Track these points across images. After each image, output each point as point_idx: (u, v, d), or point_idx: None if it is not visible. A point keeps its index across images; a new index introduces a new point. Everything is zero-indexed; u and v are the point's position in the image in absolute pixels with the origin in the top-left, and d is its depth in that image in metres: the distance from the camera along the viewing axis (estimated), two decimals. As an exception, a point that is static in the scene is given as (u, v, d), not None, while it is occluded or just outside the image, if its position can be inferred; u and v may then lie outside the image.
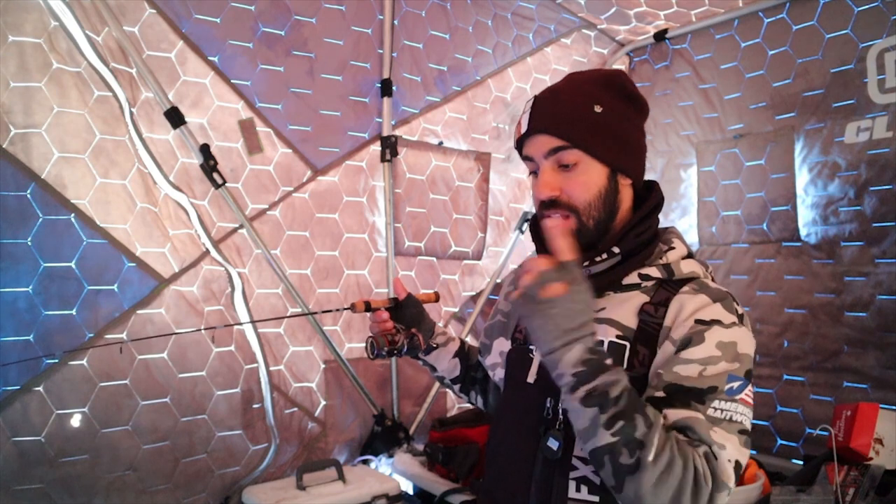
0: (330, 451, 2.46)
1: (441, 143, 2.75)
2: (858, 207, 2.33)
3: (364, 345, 1.30)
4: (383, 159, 2.58)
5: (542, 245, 1.16)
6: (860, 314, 2.33)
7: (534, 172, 1.09)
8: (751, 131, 2.70)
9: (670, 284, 1.05)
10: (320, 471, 2.23)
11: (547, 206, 1.06)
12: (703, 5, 2.70)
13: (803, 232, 2.51)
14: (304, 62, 2.37)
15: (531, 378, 1.10)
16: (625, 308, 1.06)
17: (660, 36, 2.99)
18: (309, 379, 2.40)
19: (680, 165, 3.00)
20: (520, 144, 1.10)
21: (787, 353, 2.54)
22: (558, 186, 1.04)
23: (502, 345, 1.25)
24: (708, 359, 0.95)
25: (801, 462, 2.29)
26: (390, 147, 2.57)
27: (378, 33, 2.55)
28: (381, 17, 2.55)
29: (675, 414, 0.93)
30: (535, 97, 1.07)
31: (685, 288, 1.04)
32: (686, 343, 0.96)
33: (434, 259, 2.77)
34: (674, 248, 1.09)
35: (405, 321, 1.33)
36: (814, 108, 2.46)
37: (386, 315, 1.31)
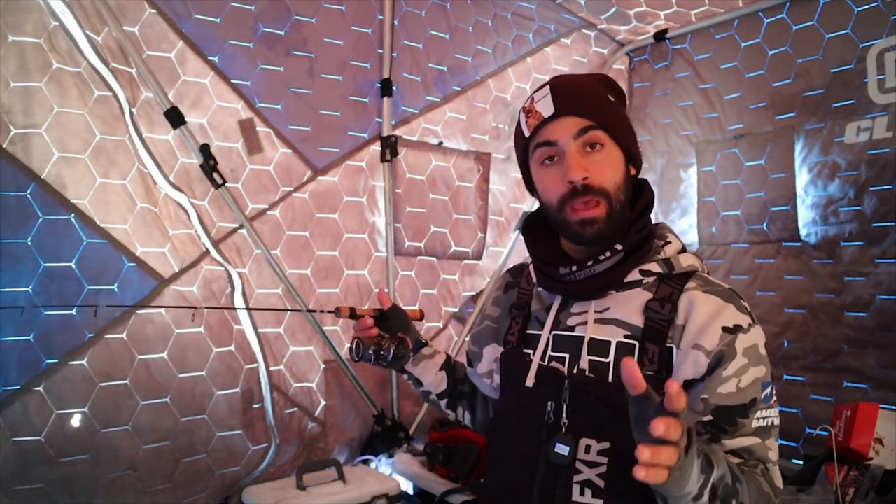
0: (330, 451, 2.46)
1: (441, 143, 2.75)
2: (858, 207, 2.33)
3: (349, 346, 1.26)
4: (383, 159, 2.58)
5: (535, 247, 1.13)
6: (860, 314, 2.33)
7: (548, 159, 1.05)
8: (751, 131, 2.70)
9: (672, 279, 1.05)
10: (320, 471, 2.23)
11: (580, 192, 1.00)
12: (703, 5, 2.70)
13: (803, 232, 2.51)
14: (304, 62, 2.38)
15: (530, 382, 1.09)
16: (629, 307, 1.05)
17: (660, 36, 2.99)
18: (309, 379, 2.40)
19: (680, 165, 3.00)
20: (535, 131, 1.05)
21: (787, 353, 2.54)
22: (588, 169, 1.01)
23: (495, 351, 1.23)
24: (740, 370, 0.98)
25: (801, 462, 2.28)
26: (390, 147, 2.57)
27: (378, 33, 2.55)
28: (381, 17, 2.55)
29: (733, 443, 0.99)
30: (551, 85, 1.06)
31: (690, 283, 1.04)
32: (720, 359, 0.98)
33: (434, 259, 2.77)
34: (669, 242, 1.09)
35: (390, 331, 1.29)
36: (814, 108, 2.46)
37: (370, 322, 1.28)
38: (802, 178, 2.51)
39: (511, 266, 1.34)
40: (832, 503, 1.74)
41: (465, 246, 2.83)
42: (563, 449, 1.01)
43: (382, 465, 2.56)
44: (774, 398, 1.02)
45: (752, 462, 0.99)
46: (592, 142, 1.02)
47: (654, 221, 1.13)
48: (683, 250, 1.10)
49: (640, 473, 0.73)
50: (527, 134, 1.07)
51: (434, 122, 2.72)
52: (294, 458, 2.36)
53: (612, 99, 1.06)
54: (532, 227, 1.18)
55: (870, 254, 2.31)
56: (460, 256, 2.83)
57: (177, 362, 2.05)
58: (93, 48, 1.90)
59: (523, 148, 1.11)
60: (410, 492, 2.46)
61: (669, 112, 3.03)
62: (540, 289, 1.16)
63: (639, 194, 1.10)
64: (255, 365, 2.25)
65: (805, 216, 2.50)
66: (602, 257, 1.03)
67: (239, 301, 2.21)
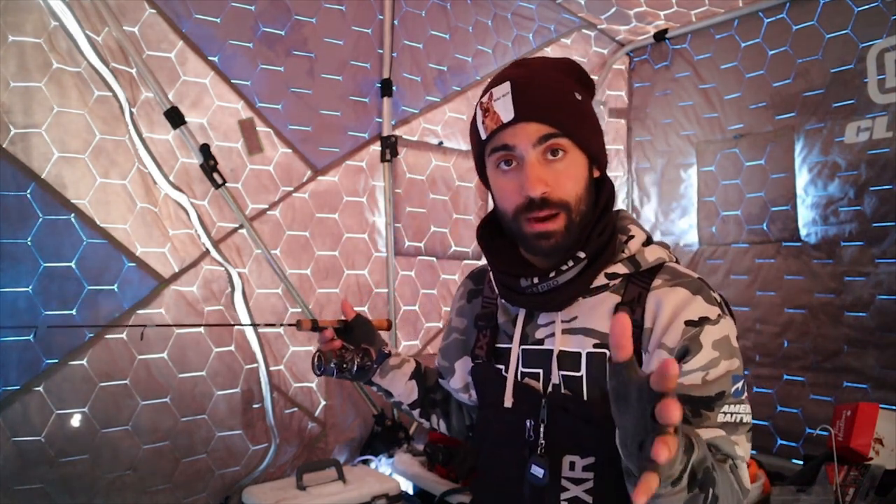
0: (330, 451, 2.46)
1: (441, 143, 2.75)
2: (858, 207, 2.33)
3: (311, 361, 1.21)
4: (383, 159, 2.58)
5: (494, 257, 1.06)
6: (860, 314, 2.33)
7: (506, 163, 0.97)
8: (751, 131, 2.70)
9: (639, 277, 0.99)
10: (320, 471, 2.23)
11: (537, 205, 0.94)
12: (703, 5, 2.70)
13: (803, 232, 2.51)
14: (304, 62, 2.38)
15: (508, 402, 1.04)
16: (598, 313, 0.99)
17: (660, 36, 2.99)
18: (309, 379, 2.40)
19: (680, 165, 3.00)
20: (492, 134, 0.97)
21: (787, 353, 2.54)
22: (549, 181, 0.94)
23: (467, 364, 1.18)
24: (708, 363, 0.92)
25: (801, 462, 2.28)
26: (390, 147, 2.57)
27: (378, 33, 2.55)
28: (381, 17, 2.55)
29: (702, 434, 0.90)
30: (511, 80, 0.96)
31: (657, 281, 0.98)
32: (684, 353, 0.92)
33: (434, 259, 2.77)
34: (633, 236, 1.02)
35: (355, 342, 1.24)
36: (814, 108, 2.46)
37: (331, 334, 1.23)
38: (802, 178, 2.51)
39: (472, 271, 1.27)
40: (832, 503, 1.74)
41: (465, 246, 2.83)
42: (537, 471, 0.97)
43: (382, 465, 2.56)
44: (746, 394, 0.94)
45: (720, 456, 0.92)
46: (554, 149, 0.95)
47: (619, 206, 1.07)
48: (649, 241, 1.04)
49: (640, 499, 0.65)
50: (483, 136, 1.00)
51: (434, 122, 2.72)
52: (294, 458, 2.36)
53: (580, 97, 0.98)
54: (488, 234, 1.10)
55: (870, 254, 2.31)
56: (460, 256, 2.83)
57: (177, 362, 2.05)
58: (93, 48, 1.89)
59: (479, 148, 1.03)
60: (410, 492, 2.46)
61: (669, 112, 3.03)
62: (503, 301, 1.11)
63: (599, 192, 1.03)
64: (255, 365, 2.25)
65: (805, 216, 2.50)
66: (564, 267, 0.97)
67: (239, 301, 2.21)
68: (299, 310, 2.35)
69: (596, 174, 1.02)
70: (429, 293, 2.74)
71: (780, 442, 2.53)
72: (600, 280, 0.99)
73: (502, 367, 1.08)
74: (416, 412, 1.31)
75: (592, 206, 1.00)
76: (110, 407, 1.92)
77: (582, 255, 0.97)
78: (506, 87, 0.96)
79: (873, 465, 1.80)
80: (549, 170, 0.95)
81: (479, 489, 1.17)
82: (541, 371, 1.03)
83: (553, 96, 0.95)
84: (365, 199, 2.56)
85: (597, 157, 1.00)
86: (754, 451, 2.54)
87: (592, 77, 3.17)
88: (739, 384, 0.93)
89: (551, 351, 1.02)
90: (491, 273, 1.12)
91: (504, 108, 0.95)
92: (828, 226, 2.43)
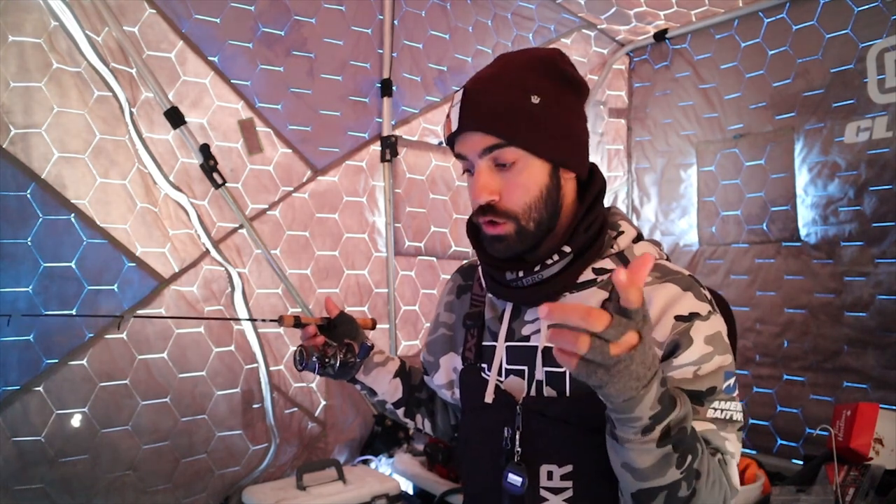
0: (330, 451, 2.46)
1: (441, 143, 2.75)
2: (858, 207, 2.33)
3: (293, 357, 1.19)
4: (383, 159, 2.58)
5: (481, 250, 1.06)
6: (860, 314, 2.33)
7: (468, 171, 0.99)
8: (751, 131, 2.70)
9: None
10: (320, 471, 2.23)
11: (484, 210, 0.96)
12: (703, 5, 2.70)
13: (803, 232, 2.51)
14: (304, 62, 2.38)
15: (489, 398, 1.03)
16: None
17: (660, 36, 2.99)
18: (309, 379, 2.40)
19: (680, 165, 3.00)
20: (451, 141, 0.99)
21: (787, 353, 2.54)
22: (496, 189, 0.95)
23: (453, 360, 1.16)
24: (701, 358, 0.91)
25: (801, 462, 2.29)
26: (390, 147, 2.57)
27: (378, 33, 2.55)
28: (381, 17, 2.55)
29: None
30: (465, 88, 0.96)
31: (647, 277, 0.95)
32: (674, 348, 0.91)
33: (434, 259, 2.77)
34: (623, 232, 1.01)
35: (337, 339, 1.22)
36: (814, 108, 2.46)
37: (314, 330, 1.21)
38: (802, 178, 2.51)
39: (461, 266, 1.26)
40: (832, 503, 1.74)
41: (465, 246, 2.83)
42: (515, 479, 0.96)
43: (382, 465, 2.56)
44: (737, 392, 0.94)
45: (710, 448, 0.90)
46: (501, 161, 0.94)
47: (620, 206, 1.07)
48: (639, 238, 1.03)
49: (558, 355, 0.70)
50: (444, 141, 1.03)
51: (434, 122, 2.73)
52: (294, 458, 2.36)
53: (537, 100, 0.93)
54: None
55: (870, 254, 2.31)
56: (460, 256, 2.82)
57: (177, 362, 2.05)
58: (93, 48, 1.90)
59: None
60: (410, 492, 2.46)
61: (669, 112, 3.03)
62: (491, 295, 1.09)
63: (587, 188, 1.01)
64: (255, 365, 2.25)
65: (805, 216, 2.50)
66: (550, 261, 0.96)
67: (239, 301, 2.21)
68: (299, 310, 2.35)
69: (569, 175, 0.99)
70: (429, 293, 2.75)
71: (780, 442, 2.53)
72: (587, 275, 0.98)
73: (486, 365, 1.07)
74: (400, 411, 1.29)
75: (553, 209, 0.98)
76: (110, 407, 1.92)
77: (567, 249, 0.96)
78: (459, 95, 0.96)
79: (873, 465, 1.80)
80: (498, 178, 0.95)
81: (465, 493, 1.15)
82: (525, 368, 1.02)
83: (500, 106, 0.93)
84: (365, 199, 2.56)
85: (562, 162, 0.97)
86: (755, 452, 2.54)
87: (592, 77, 3.13)
88: (731, 381, 0.92)
89: (536, 347, 1.01)
90: (480, 268, 1.12)
91: (454, 117, 0.96)
92: (828, 226, 2.43)
